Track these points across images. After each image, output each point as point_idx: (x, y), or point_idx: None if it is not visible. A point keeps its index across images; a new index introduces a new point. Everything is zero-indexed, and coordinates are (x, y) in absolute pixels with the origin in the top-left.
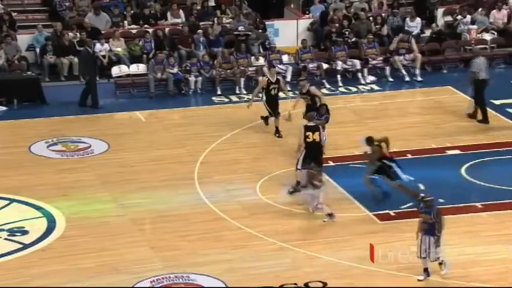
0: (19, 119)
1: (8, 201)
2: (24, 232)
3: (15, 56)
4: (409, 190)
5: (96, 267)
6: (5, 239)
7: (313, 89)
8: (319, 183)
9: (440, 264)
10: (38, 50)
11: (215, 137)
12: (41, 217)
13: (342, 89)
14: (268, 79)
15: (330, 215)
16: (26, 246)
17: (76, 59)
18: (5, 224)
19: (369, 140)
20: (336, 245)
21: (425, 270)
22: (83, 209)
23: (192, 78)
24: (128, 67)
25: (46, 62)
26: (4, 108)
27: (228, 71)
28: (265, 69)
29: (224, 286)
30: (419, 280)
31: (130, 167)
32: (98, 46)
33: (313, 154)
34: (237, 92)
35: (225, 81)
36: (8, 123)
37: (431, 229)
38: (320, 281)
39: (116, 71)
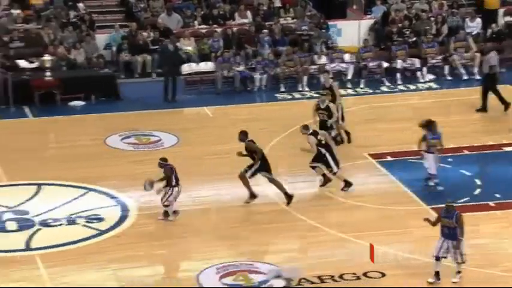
0: (95, 114)
1: (85, 191)
2: (100, 219)
3: (94, 54)
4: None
5: (166, 253)
6: (83, 225)
7: (332, 105)
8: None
9: (459, 264)
10: (114, 48)
11: (278, 132)
12: (116, 206)
13: (400, 87)
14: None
15: (175, 212)
16: (102, 233)
17: (149, 57)
18: (82, 212)
19: (242, 134)
20: (394, 237)
21: (437, 274)
22: (154, 199)
23: (257, 76)
24: (197, 65)
25: (122, 59)
26: (82, 103)
27: (292, 69)
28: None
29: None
30: (429, 282)
31: (199, 159)
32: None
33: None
34: (300, 89)
35: (289, 78)
36: (85, 117)
37: (453, 234)
38: (379, 271)
39: (185, 68)
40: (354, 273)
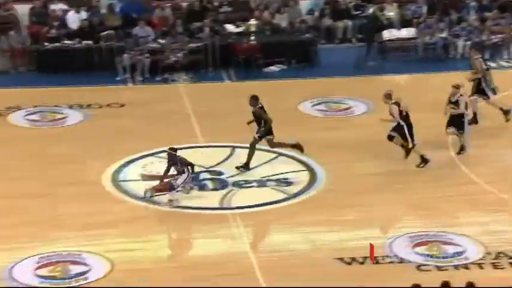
0: (292, 79)
1: (275, 155)
2: (289, 183)
3: (297, 19)
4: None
5: (356, 219)
6: (272, 188)
7: (462, 99)
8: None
9: None
10: (316, 13)
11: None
12: (305, 171)
13: None
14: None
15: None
16: (291, 197)
17: (350, 23)
18: (273, 175)
19: (253, 99)
20: None
21: None
22: (344, 166)
23: (460, 43)
24: (398, 31)
25: (323, 25)
26: (281, 67)
27: (498, 35)
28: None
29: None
30: None
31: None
32: None
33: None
34: (505, 56)
35: (496, 46)
36: (281, 83)
37: None
38: None
39: (386, 34)
40: None
